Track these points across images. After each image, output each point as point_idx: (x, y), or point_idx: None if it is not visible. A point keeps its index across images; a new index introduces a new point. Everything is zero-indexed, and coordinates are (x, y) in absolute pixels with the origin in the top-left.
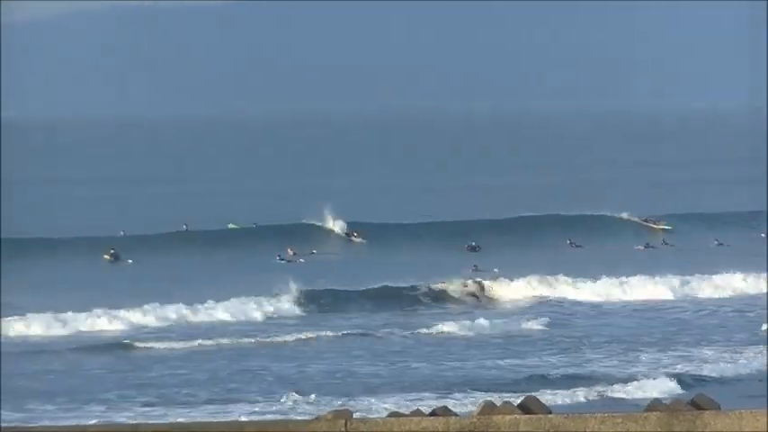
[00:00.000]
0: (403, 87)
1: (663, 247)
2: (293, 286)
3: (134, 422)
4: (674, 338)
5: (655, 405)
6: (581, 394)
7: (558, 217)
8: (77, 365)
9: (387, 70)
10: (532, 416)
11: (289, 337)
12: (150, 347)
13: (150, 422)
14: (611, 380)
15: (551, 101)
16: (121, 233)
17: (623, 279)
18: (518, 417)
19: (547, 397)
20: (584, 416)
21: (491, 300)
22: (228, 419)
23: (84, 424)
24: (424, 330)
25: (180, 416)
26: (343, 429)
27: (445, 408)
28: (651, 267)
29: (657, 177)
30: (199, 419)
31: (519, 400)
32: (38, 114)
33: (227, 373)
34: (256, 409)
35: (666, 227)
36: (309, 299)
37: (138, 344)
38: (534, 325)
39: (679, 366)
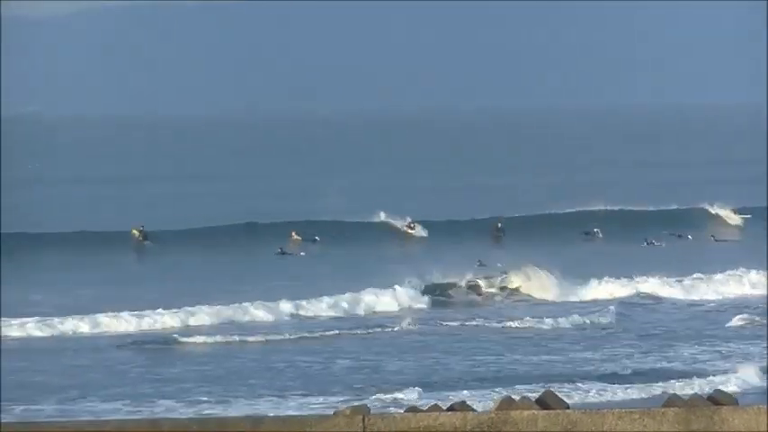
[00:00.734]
0: (403, 87)
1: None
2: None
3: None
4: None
5: (672, 400)
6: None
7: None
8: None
9: (387, 70)
10: (550, 411)
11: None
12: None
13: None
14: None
15: (552, 100)
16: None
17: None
18: (536, 412)
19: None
20: (601, 411)
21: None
22: (247, 414)
23: (91, 420)
24: (514, 324)
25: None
26: (360, 425)
27: (463, 403)
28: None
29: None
30: None
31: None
32: (63, 111)
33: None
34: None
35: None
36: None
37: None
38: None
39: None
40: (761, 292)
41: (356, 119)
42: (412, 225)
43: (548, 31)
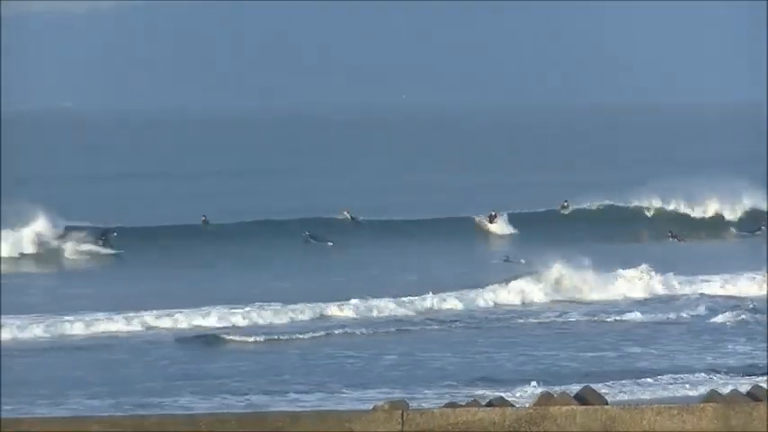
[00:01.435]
0: (402, 86)
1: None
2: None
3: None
4: None
5: (711, 396)
6: None
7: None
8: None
9: (387, 70)
10: (589, 407)
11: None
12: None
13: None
14: None
15: (551, 100)
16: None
17: None
18: (574, 408)
19: None
20: (640, 407)
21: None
22: (289, 410)
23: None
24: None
25: None
26: (399, 420)
27: (502, 398)
28: None
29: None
30: None
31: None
32: (94, 106)
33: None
34: None
35: None
36: None
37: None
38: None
39: None
40: None
41: (357, 117)
42: (494, 217)
43: (548, 31)
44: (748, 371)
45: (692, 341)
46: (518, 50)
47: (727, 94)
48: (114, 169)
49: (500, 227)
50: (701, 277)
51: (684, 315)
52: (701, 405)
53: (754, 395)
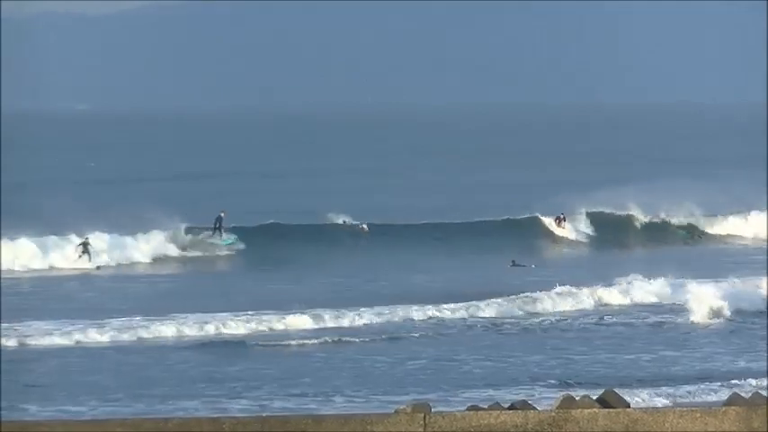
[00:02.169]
0: (402, 86)
1: None
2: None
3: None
4: None
5: (734, 399)
6: None
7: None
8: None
9: (387, 69)
10: (611, 410)
11: None
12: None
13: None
14: None
15: (552, 99)
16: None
17: None
18: (597, 411)
19: None
20: (662, 410)
21: None
22: (316, 412)
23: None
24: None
25: None
26: (421, 422)
27: (524, 401)
28: None
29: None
30: None
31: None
32: (107, 108)
33: None
34: None
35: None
36: None
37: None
38: None
39: None
40: None
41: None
42: (562, 221)
43: (548, 31)
44: None
45: None
46: (518, 51)
47: (728, 95)
48: (182, 169)
49: (567, 231)
50: None
51: None
52: (724, 408)
53: None
